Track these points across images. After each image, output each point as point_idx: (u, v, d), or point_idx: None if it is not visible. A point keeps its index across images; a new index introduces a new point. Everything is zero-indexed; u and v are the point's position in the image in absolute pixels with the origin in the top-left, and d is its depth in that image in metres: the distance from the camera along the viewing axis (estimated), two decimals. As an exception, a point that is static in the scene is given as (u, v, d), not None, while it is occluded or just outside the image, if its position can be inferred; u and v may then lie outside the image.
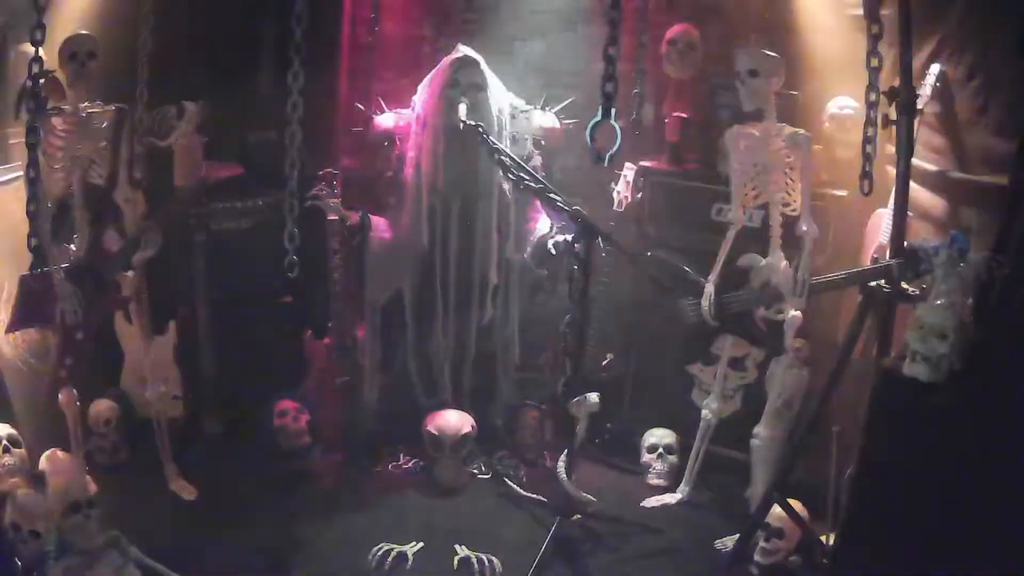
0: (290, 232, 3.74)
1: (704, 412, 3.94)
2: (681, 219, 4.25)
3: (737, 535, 3.56)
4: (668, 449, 4.13)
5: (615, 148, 4.05)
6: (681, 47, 4.29)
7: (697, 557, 3.63)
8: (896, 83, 3.21)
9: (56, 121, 3.44)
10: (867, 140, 3.33)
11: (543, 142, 4.32)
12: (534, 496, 4.00)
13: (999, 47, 3.05)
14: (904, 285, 3.23)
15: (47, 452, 3.65)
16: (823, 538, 3.38)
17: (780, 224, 3.55)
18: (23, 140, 3.34)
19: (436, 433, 4.07)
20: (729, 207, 3.69)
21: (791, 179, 3.52)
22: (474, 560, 3.49)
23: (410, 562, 3.50)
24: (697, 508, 3.95)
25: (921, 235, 3.29)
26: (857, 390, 3.51)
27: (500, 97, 4.14)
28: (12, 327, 3.53)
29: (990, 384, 2.49)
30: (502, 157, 3.73)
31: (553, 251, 4.16)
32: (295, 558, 3.52)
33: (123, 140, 3.62)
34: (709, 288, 3.65)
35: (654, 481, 4.11)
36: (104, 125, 3.55)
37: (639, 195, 4.32)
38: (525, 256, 4.29)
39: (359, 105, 4.40)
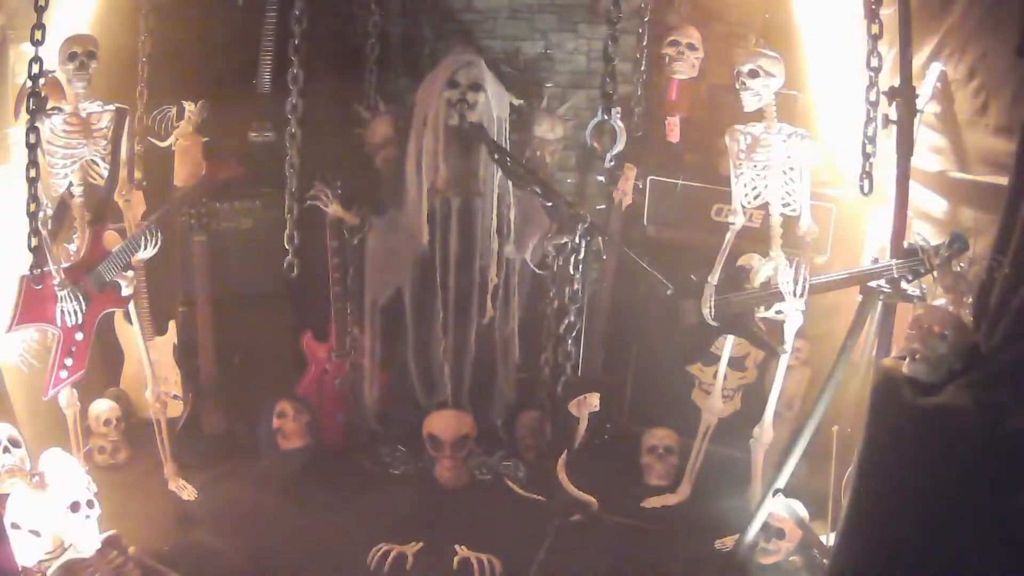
0: (290, 233, 3.74)
1: (704, 412, 3.94)
2: (681, 219, 4.25)
3: (737, 535, 3.56)
4: (668, 449, 4.12)
5: (615, 148, 4.07)
6: (682, 47, 4.30)
7: (697, 557, 3.62)
8: (896, 83, 3.21)
9: (56, 121, 3.44)
10: (867, 140, 3.33)
11: (543, 142, 4.32)
12: (534, 496, 4.00)
13: (999, 47, 3.05)
14: (904, 285, 3.23)
15: (47, 452, 3.65)
16: (823, 538, 3.38)
17: (780, 224, 3.55)
18: (23, 140, 3.34)
19: (436, 433, 4.07)
20: (729, 207, 3.69)
21: (791, 179, 3.52)
22: (474, 560, 3.49)
23: (410, 562, 3.50)
24: (697, 508, 3.95)
25: (921, 235, 3.28)
26: (857, 390, 3.53)
27: (500, 97, 4.14)
28: (12, 327, 3.53)
29: (990, 384, 2.49)
30: (502, 157, 3.73)
31: (553, 251, 4.16)
32: (295, 558, 3.52)
33: (123, 140, 3.61)
34: (709, 288, 3.65)
35: (654, 481, 4.11)
36: (104, 125, 3.55)
37: (639, 195, 4.33)
38: (525, 256, 4.29)
39: (359, 106, 4.41)
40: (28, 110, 3.31)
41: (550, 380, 4.33)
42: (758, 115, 3.54)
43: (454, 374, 4.36)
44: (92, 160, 3.56)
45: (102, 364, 4.27)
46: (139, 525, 3.50)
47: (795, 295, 3.48)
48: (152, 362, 3.90)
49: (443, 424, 4.09)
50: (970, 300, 2.86)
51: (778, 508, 3.43)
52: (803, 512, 3.45)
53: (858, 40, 3.39)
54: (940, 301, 3.10)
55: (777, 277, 3.53)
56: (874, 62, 3.28)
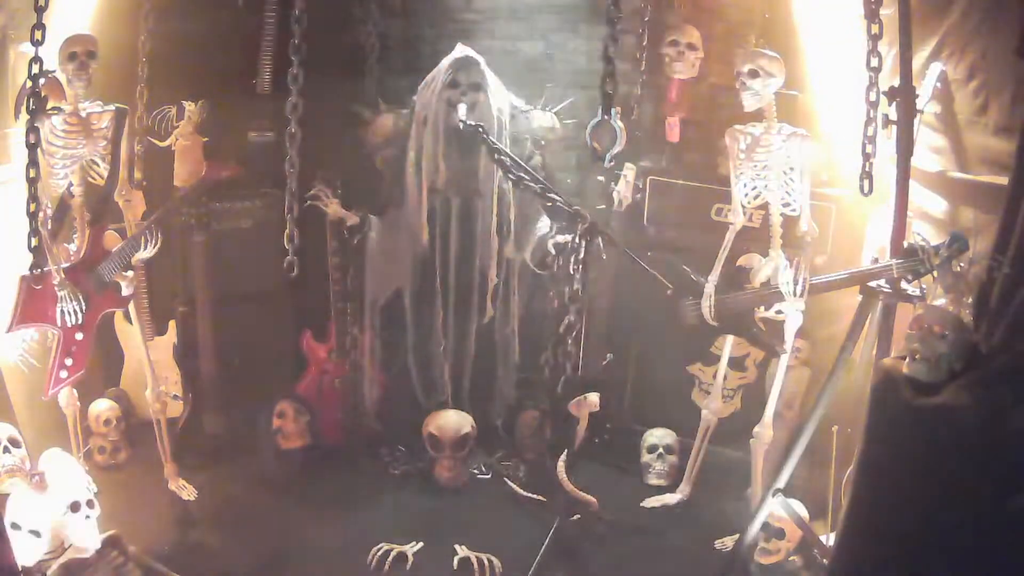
0: (290, 233, 3.73)
1: (704, 412, 3.94)
2: (681, 219, 4.25)
3: (737, 535, 3.56)
4: (668, 449, 4.12)
5: (615, 148, 4.07)
6: (682, 47, 4.30)
7: (697, 557, 3.63)
8: (896, 83, 3.21)
9: (56, 121, 3.44)
10: (867, 140, 3.33)
11: (543, 142, 4.32)
12: (534, 496, 4.00)
13: (999, 47, 3.05)
14: (904, 285, 3.23)
15: (47, 452, 3.64)
16: (823, 538, 3.38)
17: (780, 224, 3.55)
18: (23, 140, 3.34)
19: (436, 433, 4.07)
20: (729, 207, 3.69)
21: (791, 179, 3.52)
22: (474, 560, 3.49)
23: (410, 562, 3.50)
24: (697, 508, 3.95)
25: (921, 235, 3.28)
26: (857, 390, 3.53)
27: (500, 97, 4.14)
28: (12, 327, 3.53)
29: (990, 384, 2.49)
30: (502, 157, 3.73)
31: (553, 251, 4.16)
32: (295, 558, 3.52)
33: (123, 140, 3.61)
34: (709, 288, 3.65)
35: (654, 481, 4.11)
36: (104, 125, 3.55)
37: (639, 195, 4.32)
38: (525, 256, 4.29)
39: (359, 106, 4.40)
40: (28, 110, 3.30)
41: (550, 380, 4.32)
42: (758, 115, 3.54)
43: (454, 374, 4.37)
44: (92, 160, 3.56)
45: (102, 364, 4.27)
46: (139, 525, 3.49)
47: (795, 295, 3.48)
48: (152, 362, 3.90)
49: (443, 424, 4.09)
50: (970, 300, 2.85)
51: (778, 508, 3.43)
52: (803, 512, 3.45)
53: (858, 40, 3.39)
54: (940, 301, 3.10)
55: (777, 277, 3.53)
56: (874, 62, 3.27)
